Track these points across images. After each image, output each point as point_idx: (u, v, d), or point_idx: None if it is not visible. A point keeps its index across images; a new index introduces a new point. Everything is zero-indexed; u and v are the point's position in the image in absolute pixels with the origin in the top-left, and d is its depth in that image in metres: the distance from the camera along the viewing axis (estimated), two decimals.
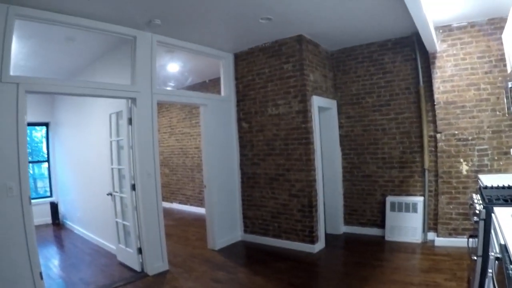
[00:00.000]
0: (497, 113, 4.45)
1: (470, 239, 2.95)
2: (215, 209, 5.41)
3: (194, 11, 4.01)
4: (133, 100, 4.39)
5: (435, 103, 4.87)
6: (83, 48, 5.02)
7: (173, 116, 9.36)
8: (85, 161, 6.23)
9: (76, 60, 5.54)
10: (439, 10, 4.33)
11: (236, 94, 5.85)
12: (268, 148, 5.42)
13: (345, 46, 5.80)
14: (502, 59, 4.39)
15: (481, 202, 2.63)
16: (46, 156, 8.26)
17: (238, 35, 5.02)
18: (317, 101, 5.21)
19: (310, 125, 5.02)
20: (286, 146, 5.21)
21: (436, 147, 4.95)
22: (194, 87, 7.99)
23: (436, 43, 4.71)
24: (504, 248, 1.62)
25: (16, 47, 3.64)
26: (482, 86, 4.55)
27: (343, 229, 5.95)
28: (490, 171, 4.47)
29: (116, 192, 4.87)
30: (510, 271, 1.37)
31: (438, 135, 4.84)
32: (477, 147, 4.58)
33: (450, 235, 4.77)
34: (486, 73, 4.54)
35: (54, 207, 7.70)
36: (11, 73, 3.33)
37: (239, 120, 5.83)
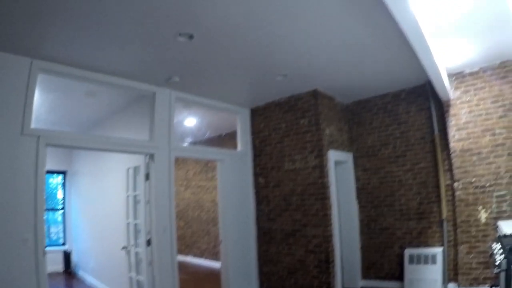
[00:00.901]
0: None
1: None
2: (230, 264, 5.29)
3: (213, 69, 4.17)
4: (151, 156, 4.46)
5: (451, 152, 4.84)
6: (103, 102, 5.21)
7: (189, 169, 9.43)
8: (101, 213, 6.25)
9: (95, 113, 5.74)
10: (451, 58, 4.41)
11: (252, 149, 5.91)
12: (284, 203, 5.38)
13: (360, 98, 5.90)
14: None
15: (501, 251, 2.53)
16: (61, 203, 8.33)
17: (255, 91, 5.18)
18: (333, 155, 5.23)
19: (327, 180, 5.00)
20: (302, 202, 5.16)
21: (453, 196, 4.85)
22: (211, 141, 8.11)
23: (450, 91, 4.75)
24: None
25: (37, 100, 3.78)
26: (497, 131, 4.52)
27: (361, 283, 5.71)
28: (510, 217, 4.32)
29: (132, 245, 4.84)
30: None
31: (455, 184, 4.76)
32: (495, 194, 4.46)
33: (471, 285, 4.54)
34: (500, 117, 4.52)
35: (67, 255, 7.68)
36: (32, 125, 3.43)
37: (256, 175, 5.83)
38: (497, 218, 4.39)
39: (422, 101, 5.35)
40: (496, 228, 4.23)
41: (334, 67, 4.38)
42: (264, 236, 5.62)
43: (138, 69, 4.02)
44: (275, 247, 5.45)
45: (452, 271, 4.88)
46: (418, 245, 5.25)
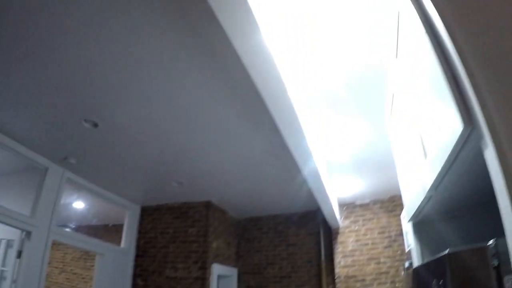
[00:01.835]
0: (396, 285, 4.55)
1: None
2: None
3: (111, 161, 4.08)
4: (28, 233, 4.02)
5: (335, 277, 4.93)
6: None
7: (68, 252, 8.50)
8: None
9: None
10: (344, 189, 4.70)
11: (136, 248, 5.55)
12: None
13: (252, 215, 5.99)
14: (401, 234, 4.71)
15: None
16: None
17: (148, 191, 5.07)
18: (217, 269, 5.10)
19: None
20: None
21: None
22: (96, 228, 7.53)
23: (339, 220, 4.99)
24: None
25: None
26: (382, 259, 4.75)
27: None
28: None
29: None
30: None
31: None
32: None
33: None
34: (386, 247, 4.79)
35: None
36: None
37: (135, 276, 5.41)
38: None
39: (312, 226, 5.55)
40: None
41: (229, 184, 4.52)
42: None
43: (36, 139, 3.75)
44: None
45: None
46: None
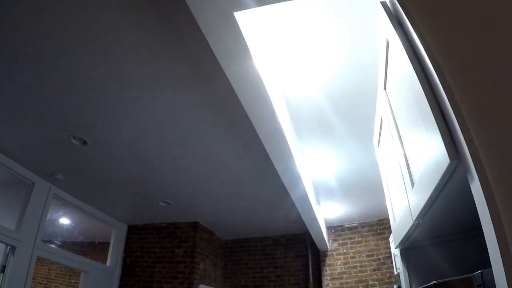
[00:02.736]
0: None
1: None
2: None
3: (99, 178, 4.06)
4: (12, 248, 3.93)
5: None
6: None
7: (52, 268, 8.31)
8: None
9: None
10: (332, 212, 4.69)
11: (122, 267, 5.45)
12: None
13: (240, 237, 5.92)
14: (389, 257, 4.68)
15: None
16: None
17: (136, 210, 5.02)
18: None
19: None
20: None
21: None
22: (82, 245, 7.39)
23: (327, 242, 4.97)
24: None
25: None
26: (371, 282, 4.72)
27: None
28: None
29: None
30: None
31: None
32: None
33: None
34: (374, 270, 4.76)
35: None
36: None
37: None
38: None
39: (300, 248, 5.51)
40: None
41: (217, 205, 4.51)
42: None
43: (24, 153, 3.70)
44: None
45: None
46: None
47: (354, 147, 3.48)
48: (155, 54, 2.21)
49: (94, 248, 7.35)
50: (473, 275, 0.91)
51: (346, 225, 5.19)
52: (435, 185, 0.95)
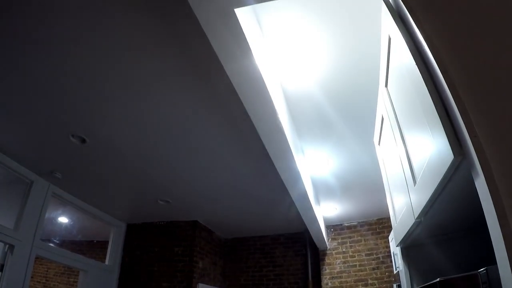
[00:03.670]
0: None
1: None
2: None
3: (98, 177, 4.04)
4: (11, 247, 3.90)
5: None
6: None
7: (51, 267, 8.29)
8: None
9: None
10: (331, 211, 4.68)
11: (121, 266, 5.43)
12: None
13: (239, 236, 5.91)
14: (388, 256, 4.67)
15: None
16: None
17: (135, 208, 5.00)
18: None
19: None
20: None
21: None
22: (81, 244, 7.37)
23: (327, 241, 4.97)
24: None
25: None
26: (370, 281, 4.72)
27: None
28: None
29: None
30: None
31: None
32: None
33: None
34: (373, 269, 4.76)
35: None
36: None
37: None
38: None
39: (299, 247, 5.51)
40: None
41: (216, 204, 4.50)
42: None
43: (22, 152, 3.69)
44: None
45: None
46: None
47: (354, 146, 3.48)
48: (155, 51, 2.20)
49: (93, 247, 7.33)
50: (478, 272, 0.90)
51: (346, 224, 5.19)
52: (438, 182, 0.94)
